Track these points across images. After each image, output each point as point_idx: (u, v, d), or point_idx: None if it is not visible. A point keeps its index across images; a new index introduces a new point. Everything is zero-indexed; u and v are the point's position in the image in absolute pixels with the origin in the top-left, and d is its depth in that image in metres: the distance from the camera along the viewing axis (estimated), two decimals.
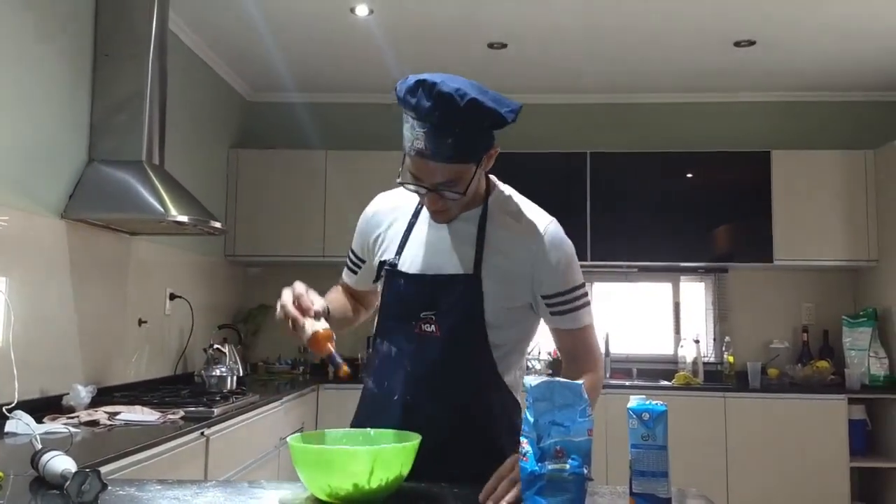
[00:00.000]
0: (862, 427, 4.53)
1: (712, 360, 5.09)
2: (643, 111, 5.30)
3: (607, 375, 4.94)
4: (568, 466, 1.23)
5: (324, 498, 1.31)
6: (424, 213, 1.70)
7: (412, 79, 1.50)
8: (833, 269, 5.00)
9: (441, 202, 1.59)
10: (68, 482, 1.31)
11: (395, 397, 1.64)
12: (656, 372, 5.04)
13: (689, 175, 4.95)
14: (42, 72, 2.94)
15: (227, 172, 5.00)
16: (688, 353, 4.96)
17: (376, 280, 1.73)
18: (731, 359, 4.86)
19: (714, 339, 5.15)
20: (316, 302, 1.56)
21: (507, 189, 1.74)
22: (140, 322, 3.73)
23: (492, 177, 1.73)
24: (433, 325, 1.62)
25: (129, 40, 3.30)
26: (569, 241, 1.68)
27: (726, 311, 5.15)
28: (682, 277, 5.25)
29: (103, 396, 3.09)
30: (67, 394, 2.87)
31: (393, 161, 4.99)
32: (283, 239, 4.91)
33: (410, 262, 1.67)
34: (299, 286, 1.57)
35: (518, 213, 1.68)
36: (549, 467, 1.23)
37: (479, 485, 1.39)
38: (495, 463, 1.44)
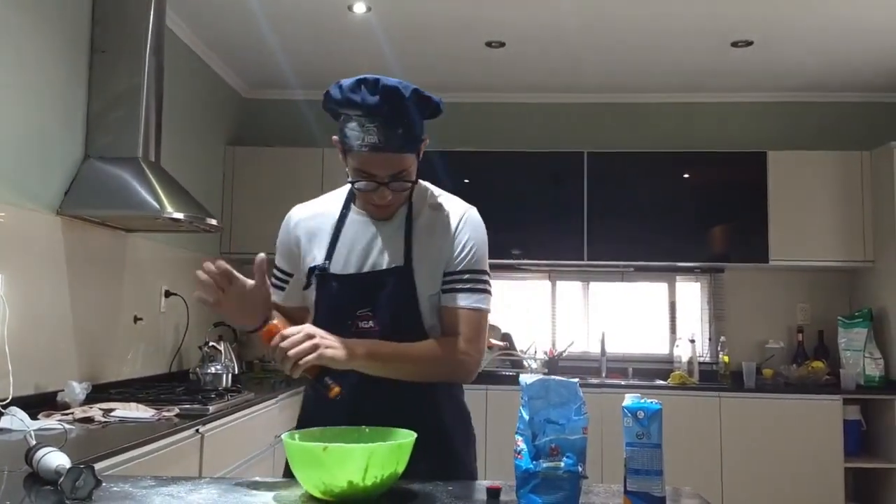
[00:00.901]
0: (857, 427, 4.54)
1: (708, 359, 5.10)
2: (640, 111, 5.30)
3: (603, 375, 4.95)
4: (563, 464, 1.24)
5: (318, 495, 1.32)
6: (351, 215, 1.74)
7: (349, 80, 1.59)
8: (828, 269, 5.01)
9: (390, 196, 1.64)
10: (62, 478, 1.31)
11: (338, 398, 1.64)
12: (652, 371, 5.04)
13: (686, 175, 4.96)
14: (38, 68, 2.93)
15: (223, 169, 4.99)
16: (683, 352, 4.97)
17: (307, 287, 1.74)
18: (726, 359, 4.87)
19: (709, 339, 5.16)
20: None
21: (427, 184, 1.78)
22: (135, 319, 3.72)
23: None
24: (371, 321, 1.65)
25: (126, 36, 3.30)
26: (483, 228, 1.73)
27: (722, 311, 5.16)
28: (678, 277, 5.26)
29: (98, 393, 3.08)
30: (62, 390, 2.86)
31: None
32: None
33: (341, 264, 1.70)
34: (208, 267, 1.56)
35: (439, 204, 1.73)
36: (544, 465, 1.23)
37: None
38: (445, 448, 1.60)
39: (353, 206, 1.75)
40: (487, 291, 1.69)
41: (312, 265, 1.72)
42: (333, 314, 1.68)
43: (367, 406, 1.62)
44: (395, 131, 1.56)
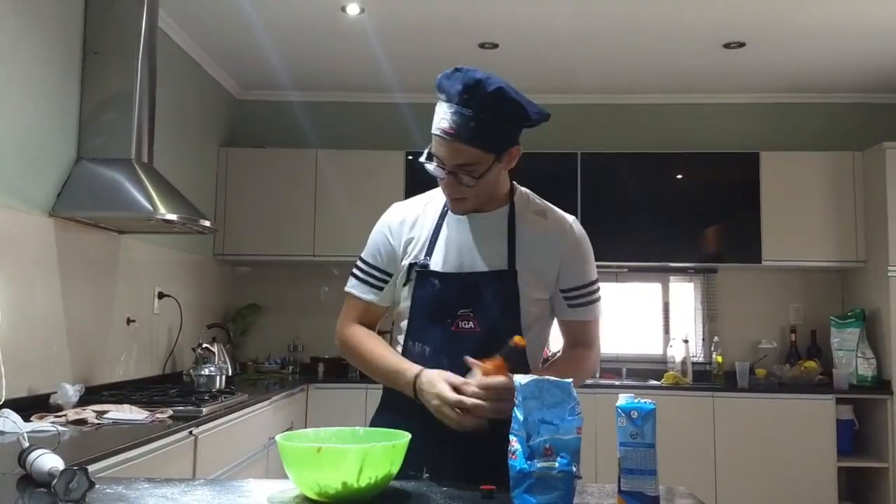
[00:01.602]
0: (849, 427, 4.55)
1: (701, 359, 5.11)
2: (634, 112, 5.31)
3: (597, 375, 4.96)
4: (557, 464, 1.24)
5: (312, 496, 1.31)
6: (450, 215, 1.74)
7: (453, 68, 1.62)
8: (821, 269, 5.03)
9: (458, 188, 1.63)
10: (56, 480, 1.30)
11: None
12: (646, 372, 5.05)
13: (679, 176, 4.97)
14: (31, 69, 2.92)
15: (216, 171, 4.98)
16: (677, 352, 4.98)
17: (405, 284, 1.73)
18: (719, 359, 4.88)
19: (703, 339, 5.17)
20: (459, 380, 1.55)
21: (529, 192, 1.80)
22: (128, 321, 3.71)
23: (515, 183, 1.79)
24: (471, 322, 1.66)
25: (119, 38, 3.29)
26: (588, 239, 1.77)
27: (715, 312, 5.17)
28: (671, 278, 5.27)
29: (91, 395, 3.08)
30: (55, 392, 2.85)
31: (384, 160, 5.00)
32: (272, 238, 4.89)
33: (443, 262, 1.70)
34: (447, 395, 1.53)
35: (543, 212, 1.75)
36: (539, 465, 1.24)
37: (464, 482, 1.45)
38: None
39: None
40: (600, 298, 1.77)
41: (413, 261, 1.71)
42: (433, 312, 1.68)
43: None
44: (467, 122, 1.56)
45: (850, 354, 4.67)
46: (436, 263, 1.70)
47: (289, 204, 4.93)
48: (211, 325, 4.61)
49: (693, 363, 4.91)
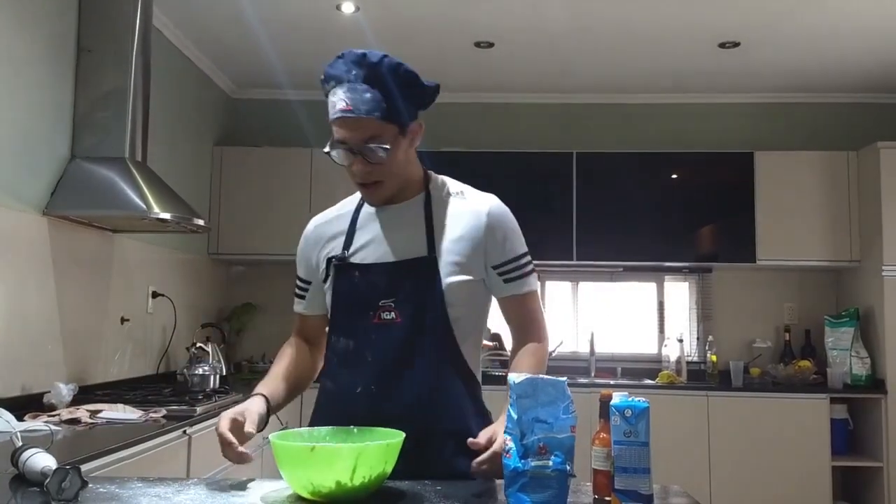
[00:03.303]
0: (844, 426, 4.56)
1: (696, 359, 5.12)
2: (629, 111, 5.32)
3: (592, 375, 4.96)
4: (551, 463, 1.24)
5: (306, 496, 1.31)
6: (365, 209, 1.73)
7: (335, 56, 1.62)
8: (815, 269, 5.04)
9: (370, 170, 1.61)
10: (48, 479, 1.30)
11: (358, 390, 1.62)
12: (640, 371, 5.06)
13: (674, 175, 4.97)
14: (24, 67, 2.91)
15: (211, 170, 4.97)
16: (671, 352, 4.99)
17: (325, 279, 1.72)
18: (714, 358, 4.88)
19: (697, 339, 5.18)
20: (248, 422, 1.52)
21: (445, 177, 1.78)
22: (122, 320, 3.70)
23: (429, 171, 1.77)
24: (393, 312, 1.63)
25: (112, 36, 3.28)
26: (510, 212, 1.73)
27: (710, 311, 5.18)
28: (666, 277, 5.28)
29: (85, 395, 3.07)
30: (49, 392, 2.84)
31: None
32: (267, 237, 4.89)
33: (362, 254, 1.68)
34: (224, 424, 1.49)
35: (460, 194, 1.73)
36: (532, 464, 1.23)
37: (456, 479, 1.44)
38: (465, 446, 1.51)
39: (366, 201, 1.74)
40: (533, 270, 1.73)
41: (330, 257, 1.70)
42: (354, 306, 1.66)
43: (391, 398, 1.60)
44: (362, 95, 1.55)
45: (844, 354, 4.68)
46: (354, 256, 1.68)
47: (284, 203, 4.92)
48: (205, 324, 4.60)
49: (688, 362, 4.92)
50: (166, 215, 3.10)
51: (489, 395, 1.76)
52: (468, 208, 1.69)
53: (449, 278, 1.63)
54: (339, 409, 1.60)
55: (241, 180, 4.97)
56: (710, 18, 4.02)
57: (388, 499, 1.35)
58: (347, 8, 3.93)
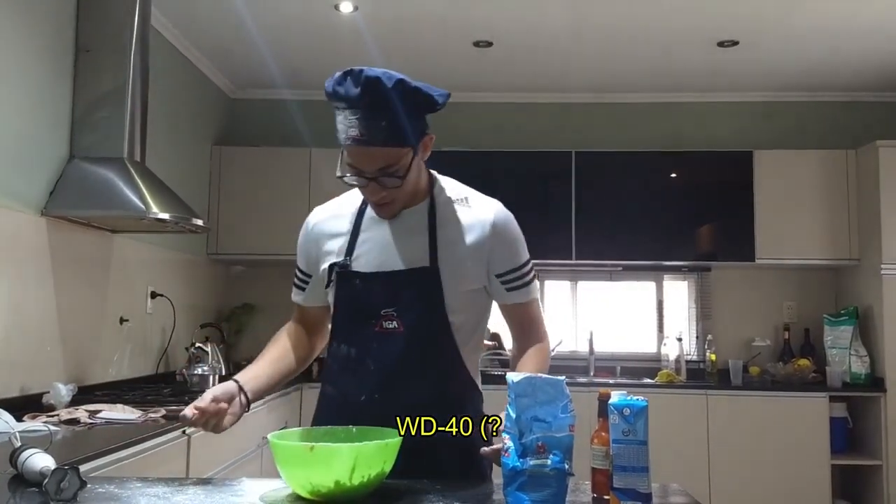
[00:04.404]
0: (843, 425, 4.56)
1: (695, 357, 5.12)
2: (628, 111, 5.32)
3: (591, 374, 4.97)
4: (549, 462, 1.24)
5: (305, 495, 1.31)
6: (369, 213, 1.70)
7: (339, 72, 1.56)
8: (814, 267, 5.04)
9: (383, 192, 1.59)
10: (47, 480, 1.30)
11: (362, 398, 1.63)
12: (640, 370, 5.06)
13: (673, 175, 4.98)
14: (22, 67, 2.91)
15: (209, 170, 4.97)
16: (671, 351, 4.99)
17: (327, 286, 1.70)
18: (713, 357, 4.89)
19: (697, 338, 5.18)
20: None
21: (448, 180, 1.75)
22: (121, 320, 3.70)
23: (433, 171, 1.74)
24: (395, 322, 1.62)
25: (111, 36, 3.27)
26: (514, 220, 1.72)
27: (709, 310, 5.18)
28: (665, 276, 5.28)
29: (84, 395, 3.06)
30: (48, 392, 2.84)
31: None
32: (266, 237, 4.88)
33: (364, 262, 1.66)
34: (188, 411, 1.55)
35: (465, 200, 1.70)
36: (531, 463, 1.24)
37: (456, 481, 1.44)
38: (468, 453, 1.54)
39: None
40: (535, 277, 1.73)
41: (333, 262, 1.69)
42: (356, 314, 1.65)
43: (394, 407, 1.59)
44: (378, 123, 1.51)
45: (843, 352, 4.68)
46: (357, 263, 1.66)
47: (282, 203, 4.91)
48: (204, 324, 4.60)
49: (687, 361, 4.92)
50: (165, 215, 3.10)
51: (487, 394, 1.76)
52: (473, 217, 1.67)
53: (451, 288, 1.62)
54: (343, 417, 1.57)
55: (240, 180, 4.97)
56: (708, 18, 4.02)
57: (387, 498, 1.35)
58: (346, 8, 3.93)
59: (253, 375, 1.69)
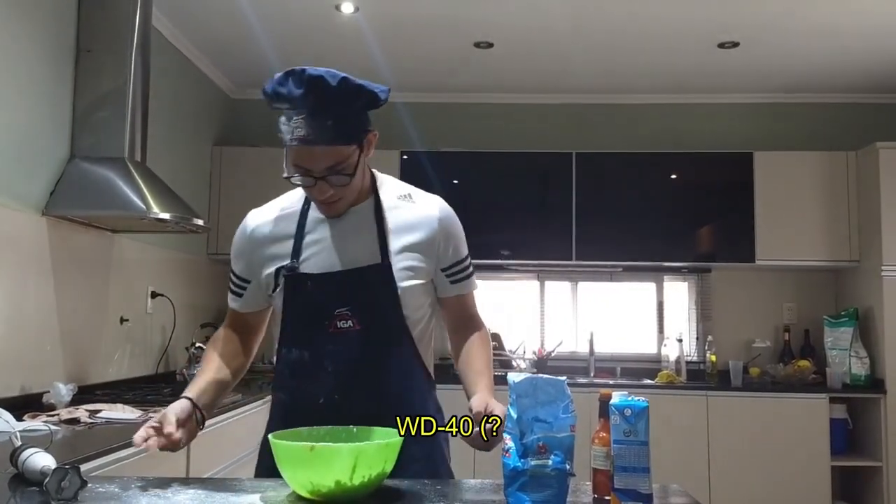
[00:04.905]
0: (843, 426, 4.56)
1: (695, 359, 5.12)
2: (628, 112, 5.32)
3: (591, 374, 4.97)
4: (550, 462, 1.24)
5: (305, 495, 1.31)
6: (312, 214, 1.70)
7: (279, 74, 1.57)
8: (815, 269, 5.04)
9: (330, 191, 1.59)
10: (48, 479, 1.30)
11: (321, 400, 1.62)
12: (640, 371, 5.06)
13: (673, 176, 4.98)
14: (23, 67, 2.91)
15: (210, 170, 4.97)
16: (671, 352, 4.99)
17: (273, 291, 1.68)
18: (713, 358, 4.89)
19: (697, 339, 5.18)
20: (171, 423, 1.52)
21: (389, 178, 1.77)
22: (122, 320, 3.70)
23: (374, 170, 1.76)
24: (350, 321, 1.62)
25: (112, 36, 3.28)
26: (457, 216, 1.76)
27: (709, 311, 5.18)
28: (665, 277, 5.28)
29: (84, 395, 3.07)
30: (48, 392, 2.84)
31: (378, 159, 4.98)
32: None
33: (313, 263, 1.65)
34: (140, 434, 1.50)
35: (409, 197, 1.73)
36: (532, 463, 1.24)
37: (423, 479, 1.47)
38: (430, 446, 1.61)
39: (313, 203, 1.70)
40: (473, 271, 1.78)
41: (279, 265, 1.66)
42: (308, 316, 1.64)
43: (355, 406, 1.60)
44: (324, 122, 1.52)
45: (843, 353, 4.68)
46: (306, 265, 1.65)
47: None
48: (204, 324, 4.60)
49: (687, 362, 4.92)
50: (165, 215, 3.10)
51: None
52: (419, 213, 1.69)
53: (404, 283, 1.63)
54: (300, 421, 1.52)
55: (241, 180, 4.97)
56: (709, 18, 4.02)
57: (387, 498, 1.35)
58: (347, 8, 3.93)
59: (201, 391, 1.68)
